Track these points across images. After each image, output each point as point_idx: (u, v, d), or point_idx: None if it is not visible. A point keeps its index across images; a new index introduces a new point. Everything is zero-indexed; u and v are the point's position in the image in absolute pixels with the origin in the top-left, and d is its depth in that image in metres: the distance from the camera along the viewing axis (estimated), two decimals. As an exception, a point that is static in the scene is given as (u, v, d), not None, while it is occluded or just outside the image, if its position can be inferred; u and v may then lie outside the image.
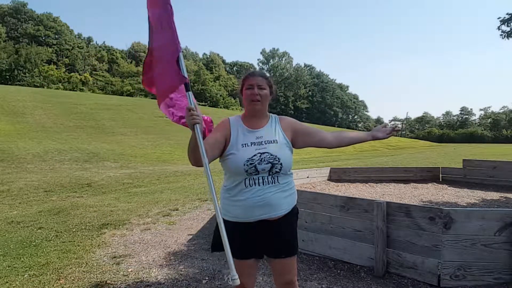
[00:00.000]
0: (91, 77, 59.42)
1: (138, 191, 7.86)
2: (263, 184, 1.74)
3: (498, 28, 8.19)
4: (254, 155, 1.73)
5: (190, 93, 1.83)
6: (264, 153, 1.75)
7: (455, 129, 69.47)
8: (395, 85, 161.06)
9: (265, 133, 1.82)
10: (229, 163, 1.77)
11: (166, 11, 1.86)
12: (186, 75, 1.83)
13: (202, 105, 58.31)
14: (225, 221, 1.82)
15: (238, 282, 1.65)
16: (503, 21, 7.99)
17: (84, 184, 8.77)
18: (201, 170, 11.70)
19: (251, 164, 1.72)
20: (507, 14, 7.88)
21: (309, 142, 1.93)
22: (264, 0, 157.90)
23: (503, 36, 8.20)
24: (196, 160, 1.72)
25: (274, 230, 1.79)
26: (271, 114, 1.93)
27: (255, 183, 1.73)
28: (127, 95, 56.27)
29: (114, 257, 3.60)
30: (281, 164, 1.75)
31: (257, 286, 2.90)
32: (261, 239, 1.79)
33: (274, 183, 1.76)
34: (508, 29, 8.06)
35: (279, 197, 1.76)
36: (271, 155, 1.75)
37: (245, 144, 1.77)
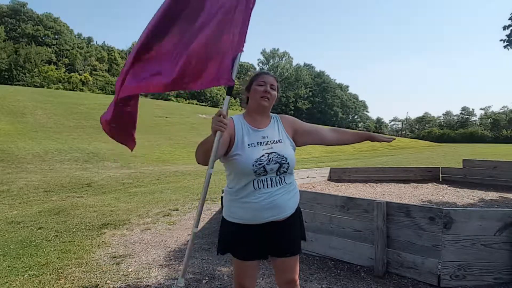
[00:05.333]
0: (91, 77, 59.33)
1: (138, 191, 7.86)
2: (272, 186, 1.73)
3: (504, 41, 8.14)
4: (262, 156, 1.72)
5: (229, 97, 1.74)
6: (272, 153, 1.74)
7: (455, 129, 69.43)
8: (395, 85, 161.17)
9: (270, 133, 1.82)
10: (236, 163, 1.73)
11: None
12: (234, 77, 1.75)
13: (202, 105, 58.34)
14: (229, 223, 1.81)
15: None
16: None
17: (84, 184, 8.78)
18: (201, 170, 11.65)
19: (259, 164, 1.70)
20: (509, 19, 7.80)
21: (309, 141, 1.96)
22: (265, 0, 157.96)
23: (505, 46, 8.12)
24: (205, 161, 1.71)
25: (280, 230, 1.78)
26: (272, 114, 1.93)
27: (263, 185, 1.72)
28: (127, 95, 56.14)
29: (114, 257, 3.60)
30: (288, 163, 1.76)
31: (257, 286, 2.90)
32: (267, 240, 1.78)
33: (282, 183, 1.76)
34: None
35: (286, 199, 1.76)
36: (279, 155, 1.74)
37: (252, 144, 1.75)
